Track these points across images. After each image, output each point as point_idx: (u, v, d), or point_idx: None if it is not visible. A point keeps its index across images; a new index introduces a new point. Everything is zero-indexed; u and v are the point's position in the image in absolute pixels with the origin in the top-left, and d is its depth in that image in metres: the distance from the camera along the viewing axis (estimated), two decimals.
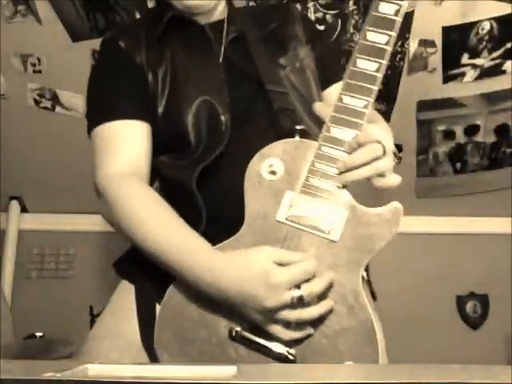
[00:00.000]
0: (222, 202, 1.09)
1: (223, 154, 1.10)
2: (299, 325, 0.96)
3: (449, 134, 2.13)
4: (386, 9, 1.00)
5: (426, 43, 1.89)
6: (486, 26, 1.84)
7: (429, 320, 2.33)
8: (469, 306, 2.36)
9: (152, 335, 1.05)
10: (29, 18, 1.88)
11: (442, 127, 2.11)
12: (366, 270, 1.19)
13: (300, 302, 0.93)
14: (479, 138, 2.13)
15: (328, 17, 1.83)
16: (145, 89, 1.18)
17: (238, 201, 1.03)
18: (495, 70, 1.94)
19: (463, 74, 1.95)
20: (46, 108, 2.14)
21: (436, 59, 1.92)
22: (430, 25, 1.86)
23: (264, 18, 1.30)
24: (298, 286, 0.93)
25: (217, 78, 1.18)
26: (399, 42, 1.88)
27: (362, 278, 1.19)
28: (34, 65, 2.02)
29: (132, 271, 1.15)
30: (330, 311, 0.96)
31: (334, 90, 1.24)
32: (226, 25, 1.25)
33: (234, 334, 0.98)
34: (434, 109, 2.05)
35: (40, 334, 2.06)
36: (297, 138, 1.03)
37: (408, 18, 1.83)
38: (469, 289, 2.38)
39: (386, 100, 2.00)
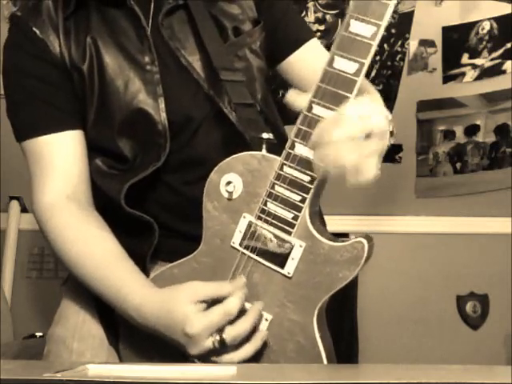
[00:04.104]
0: (177, 214, 1.02)
1: (166, 166, 0.99)
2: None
3: (449, 134, 2.13)
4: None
5: (426, 43, 1.89)
6: (486, 25, 1.84)
7: (429, 320, 2.32)
8: (469, 306, 2.36)
9: (117, 340, 1.01)
10: None
11: (442, 127, 2.11)
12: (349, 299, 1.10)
13: (225, 345, 0.86)
14: (479, 138, 2.13)
15: (328, 17, 1.83)
16: (71, 89, 1.00)
17: (193, 213, 0.94)
18: (495, 70, 1.93)
19: (463, 74, 1.94)
20: None
21: (436, 59, 1.92)
22: (430, 25, 1.86)
23: None
24: (221, 329, 0.86)
25: (150, 75, 0.97)
26: (399, 42, 1.88)
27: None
28: None
29: None
30: (278, 347, 0.89)
31: (305, 52, 1.07)
32: None
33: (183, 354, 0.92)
34: (434, 109, 2.05)
35: (40, 333, 2.05)
36: (263, 151, 0.90)
37: (408, 17, 1.83)
38: (469, 289, 2.37)
39: (386, 100, 2.00)
